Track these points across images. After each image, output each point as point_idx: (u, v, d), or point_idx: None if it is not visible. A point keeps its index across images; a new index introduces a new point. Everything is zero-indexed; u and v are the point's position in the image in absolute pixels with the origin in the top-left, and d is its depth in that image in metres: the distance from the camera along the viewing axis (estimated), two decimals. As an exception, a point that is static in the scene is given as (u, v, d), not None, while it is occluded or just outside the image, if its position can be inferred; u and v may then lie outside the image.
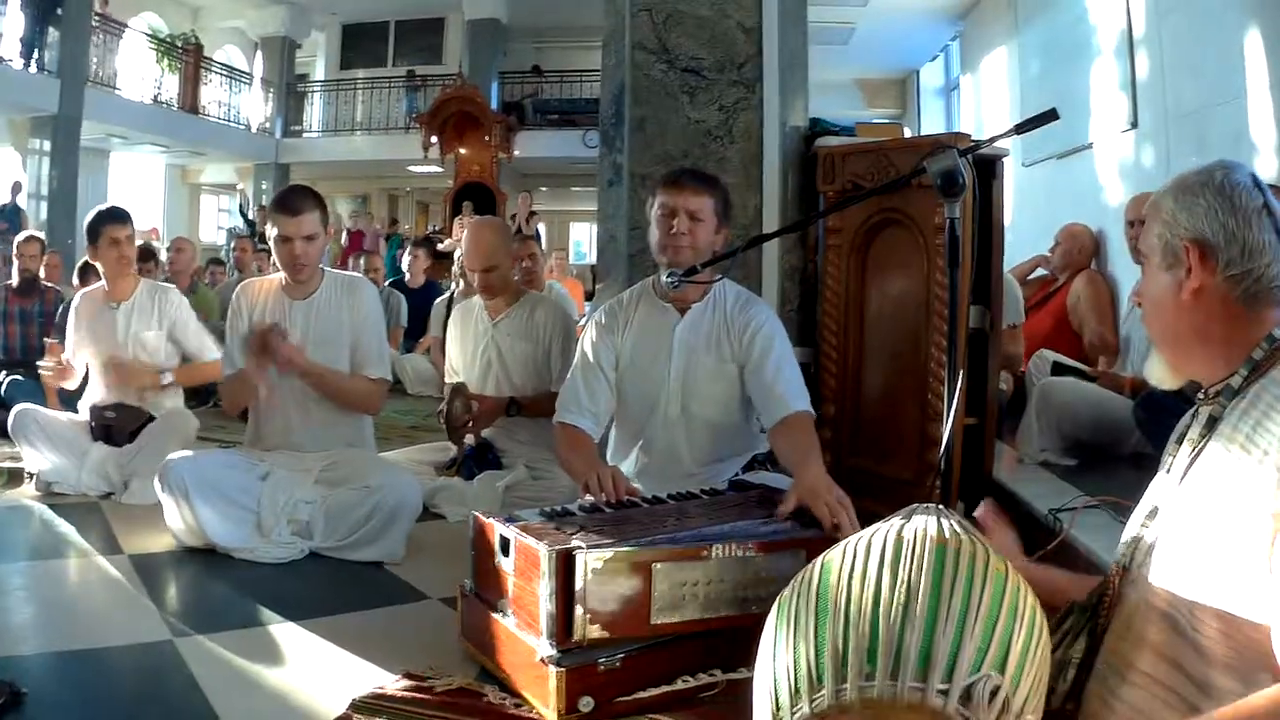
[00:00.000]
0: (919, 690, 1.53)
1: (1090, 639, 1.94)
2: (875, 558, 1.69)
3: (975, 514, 2.26)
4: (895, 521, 1.79)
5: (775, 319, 4.13)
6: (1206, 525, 1.77)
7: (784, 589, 1.82)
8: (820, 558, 1.79)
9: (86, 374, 6.00)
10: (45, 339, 6.74)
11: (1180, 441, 1.96)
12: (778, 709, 1.63)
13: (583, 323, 5.54)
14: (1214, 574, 1.72)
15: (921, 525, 1.75)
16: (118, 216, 5.88)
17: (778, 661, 1.68)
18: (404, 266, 12.08)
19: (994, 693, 1.52)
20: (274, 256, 4.89)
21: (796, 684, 1.61)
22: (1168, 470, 1.97)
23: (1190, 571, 1.77)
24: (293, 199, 4.76)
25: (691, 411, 4.07)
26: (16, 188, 18.61)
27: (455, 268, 10.98)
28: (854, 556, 1.72)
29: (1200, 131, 6.34)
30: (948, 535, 1.72)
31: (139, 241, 6.70)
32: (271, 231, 4.80)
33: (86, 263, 8.30)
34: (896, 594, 1.62)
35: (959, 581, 1.63)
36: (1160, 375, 2.09)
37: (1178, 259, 1.92)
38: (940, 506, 1.87)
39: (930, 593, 1.61)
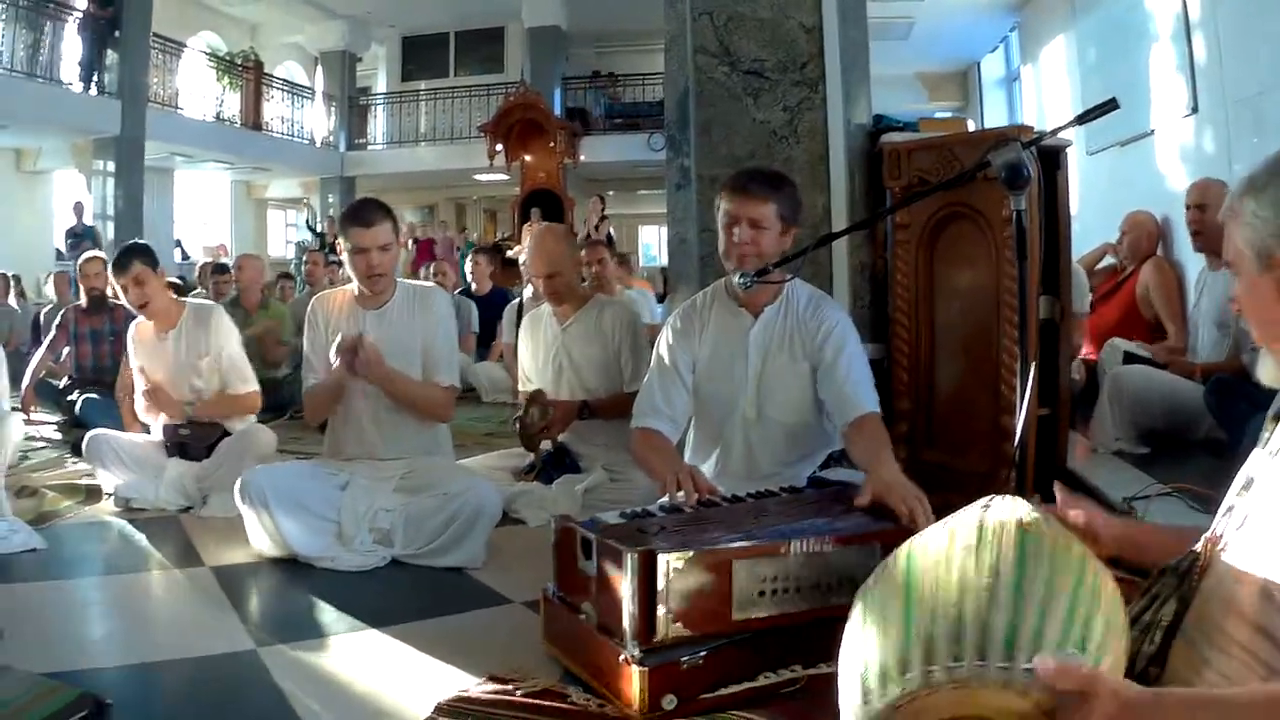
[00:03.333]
0: (1005, 670, 1.54)
1: (1179, 604, 1.92)
2: (959, 544, 1.71)
3: (1054, 488, 2.25)
4: (975, 509, 1.80)
5: (846, 319, 4.11)
6: None
7: (866, 580, 1.84)
8: (903, 546, 1.81)
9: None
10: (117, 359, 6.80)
11: (1279, 418, 1.92)
12: (866, 694, 1.64)
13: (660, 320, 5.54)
14: None
15: (1002, 512, 1.77)
16: (117, 264, 5.81)
17: (865, 649, 1.70)
18: (467, 273, 12.15)
19: None
20: (345, 268, 4.94)
21: (885, 668, 1.63)
22: (1264, 445, 1.92)
23: None
24: (365, 211, 4.80)
25: (768, 413, 4.06)
26: (79, 208, 18.94)
27: (524, 272, 11.05)
28: (937, 544, 1.74)
29: (1259, 115, 6.28)
30: (1028, 521, 1.73)
31: (209, 260, 6.72)
32: (345, 244, 4.85)
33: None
34: (981, 577, 1.63)
35: (1041, 565, 1.65)
36: (1273, 376, 1.96)
37: (1273, 257, 1.82)
38: (1018, 497, 1.88)
39: (1014, 575, 1.63)
